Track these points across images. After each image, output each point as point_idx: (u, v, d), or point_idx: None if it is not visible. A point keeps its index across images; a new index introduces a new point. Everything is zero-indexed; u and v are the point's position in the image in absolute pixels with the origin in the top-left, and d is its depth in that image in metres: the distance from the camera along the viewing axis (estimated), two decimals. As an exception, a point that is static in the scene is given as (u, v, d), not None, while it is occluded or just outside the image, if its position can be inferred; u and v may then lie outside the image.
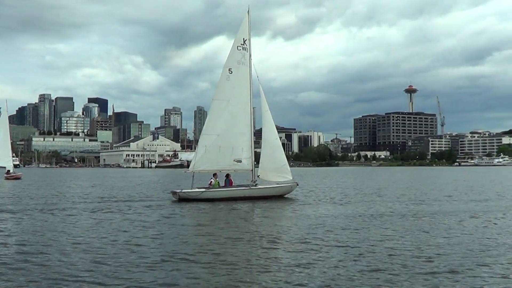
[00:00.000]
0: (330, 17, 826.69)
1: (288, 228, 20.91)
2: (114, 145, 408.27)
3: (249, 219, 25.02)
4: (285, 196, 36.32)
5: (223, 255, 15.18)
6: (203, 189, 34.00)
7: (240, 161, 35.65)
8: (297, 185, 37.79)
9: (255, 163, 36.52)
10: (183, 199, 33.24)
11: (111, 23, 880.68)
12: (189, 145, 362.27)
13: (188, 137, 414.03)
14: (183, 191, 34.29)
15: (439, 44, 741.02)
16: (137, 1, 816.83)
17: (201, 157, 35.12)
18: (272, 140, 36.97)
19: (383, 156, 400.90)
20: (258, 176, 35.83)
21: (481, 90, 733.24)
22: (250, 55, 35.79)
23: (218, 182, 35.13)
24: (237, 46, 35.47)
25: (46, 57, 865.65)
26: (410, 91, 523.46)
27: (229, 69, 35.21)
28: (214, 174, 35.18)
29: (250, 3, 35.85)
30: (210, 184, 34.84)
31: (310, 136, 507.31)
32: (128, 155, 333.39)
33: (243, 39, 35.64)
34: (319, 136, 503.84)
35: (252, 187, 35.11)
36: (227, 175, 35.89)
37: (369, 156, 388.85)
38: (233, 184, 35.91)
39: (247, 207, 29.87)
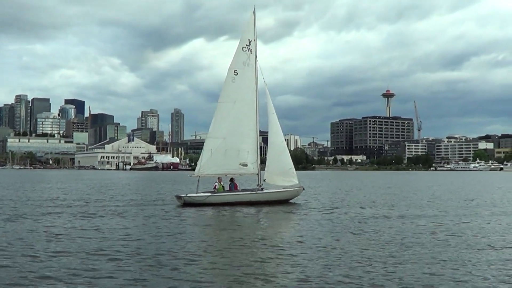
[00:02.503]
0: (309, 21, 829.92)
1: (292, 235, 20.70)
2: (89, 147, 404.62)
3: (253, 225, 24.59)
4: (291, 201, 35.52)
5: (225, 260, 15.07)
6: (209, 194, 33.12)
7: (246, 165, 34.78)
8: (303, 189, 37.00)
9: (261, 166, 35.70)
10: (188, 204, 32.34)
11: (89, 25, 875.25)
12: (165, 148, 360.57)
13: (165, 140, 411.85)
14: (188, 195, 33.33)
15: (418, 48, 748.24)
16: (115, 2, 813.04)
17: (206, 160, 34.19)
18: (278, 143, 36.13)
19: (359, 160, 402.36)
20: (264, 180, 34.98)
21: (458, 95, 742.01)
22: (255, 56, 34.99)
23: (223, 186, 34.28)
24: (242, 47, 34.62)
25: (24, 57, 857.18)
26: (388, 95, 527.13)
27: (234, 70, 34.36)
28: (219, 178, 34.26)
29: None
30: (214, 188, 33.94)
31: (287, 139, 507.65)
32: (103, 157, 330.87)
33: (248, 40, 34.81)
34: (296, 140, 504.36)
35: (258, 192, 34.26)
36: (232, 179, 34.98)
37: (345, 160, 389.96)
38: (238, 188, 34.96)
39: (253, 212, 29.32)
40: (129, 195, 45.29)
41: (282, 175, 35.59)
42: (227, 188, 34.59)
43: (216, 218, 27.11)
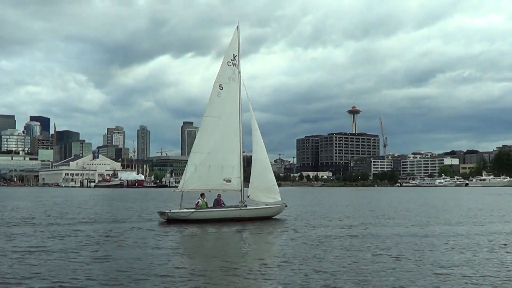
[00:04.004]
0: (275, 38, 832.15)
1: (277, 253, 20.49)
2: (54, 164, 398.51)
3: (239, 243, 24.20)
4: (274, 217, 35.20)
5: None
6: (193, 210, 32.55)
7: (230, 181, 34.36)
8: (286, 206, 36.73)
9: (245, 183, 35.34)
10: (172, 220, 31.74)
11: (55, 40, 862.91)
12: (130, 165, 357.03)
13: (131, 157, 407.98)
14: (172, 211, 32.77)
15: (384, 65, 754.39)
16: (81, 18, 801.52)
17: (191, 175, 33.65)
18: (262, 159, 35.85)
19: (325, 177, 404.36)
20: (248, 196, 34.64)
21: (424, 112, 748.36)
22: (239, 72, 34.77)
23: (206, 203, 33.67)
24: (227, 62, 34.40)
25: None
26: (354, 112, 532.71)
27: (220, 85, 34.06)
28: (202, 194, 33.59)
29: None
30: (197, 204, 33.29)
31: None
32: (68, 174, 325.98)
33: (233, 54, 34.60)
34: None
35: (242, 208, 33.85)
36: (219, 195, 34.39)
37: (311, 177, 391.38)
38: (221, 204, 34.39)
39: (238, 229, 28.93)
40: (105, 213, 44.31)
41: (265, 191, 35.38)
42: (210, 204, 34.02)
43: (201, 236, 26.63)
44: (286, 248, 21.34)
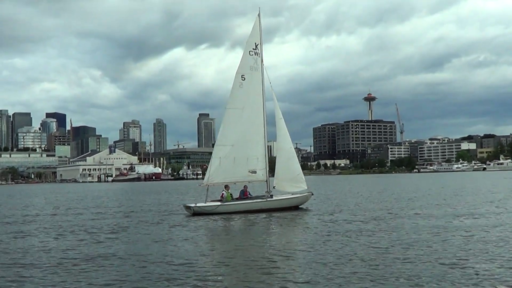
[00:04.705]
0: (289, 27, 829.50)
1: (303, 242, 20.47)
2: (71, 160, 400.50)
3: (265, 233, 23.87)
4: (300, 206, 34.79)
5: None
6: (218, 203, 32.25)
7: (255, 172, 34.04)
8: (312, 194, 36.30)
9: (270, 173, 34.99)
10: (198, 214, 31.53)
11: (68, 36, 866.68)
12: (147, 158, 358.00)
13: (147, 150, 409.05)
14: (197, 205, 32.53)
15: (398, 51, 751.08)
16: (93, 13, 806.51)
17: (215, 169, 33.35)
18: (287, 148, 35.50)
19: (342, 165, 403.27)
20: (273, 187, 34.32)
21: (440, 97, 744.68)
22: (262, 60, 34.25)
23: (231, 195, 33.33)
24: (249, 51, 33.87)
25: (3, 72, 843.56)
26: (369, 99, 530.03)
27: (242, 75, 33.57)
28: (226, 186, 33.29)
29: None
30: (221, 196, 32.96)
31: (270, 146, 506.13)
32: (85, 169, 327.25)
33: (255, 43, 34.08)
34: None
35: (268, 199, 33.47)
36: (245, 187, 34.03)
37: (328, 165, 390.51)
38: (248, 196, 33.96)
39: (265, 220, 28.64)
40: (130, 207, 44.20)
41: (291, 181, 35.03)
42: (235, 195, 33.69)
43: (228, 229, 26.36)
44: (308, 238, 21.06)
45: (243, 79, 33.54)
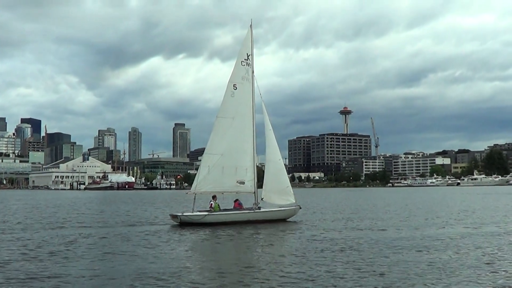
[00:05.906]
0: (267, 39, 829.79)
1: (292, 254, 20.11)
2: (44, 166, 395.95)
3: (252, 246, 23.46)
4: (288, 220, 34.48)
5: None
6: (206, 213, 31.84)
7: (243, 183, 33.70)
8: (300, 208, 36.05)
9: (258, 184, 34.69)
10: (185, 223, 31.10)
11: (46, 42, 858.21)
12: (120, 167, 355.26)
13: (122, 159, 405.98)
14: (184, 214, 32.07)
15: (375, 65, 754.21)
16: (72, 19, 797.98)
17: (203, 177, 32.95)
18: (276, 160, 35.18)
19: (317, 178, 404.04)
20: (261, 199, 33.99)
21: (416, 112, 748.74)
22: (252, 71, 34.10)
23: (218, 205, 33.00)
24: (241, 61, 33.77)
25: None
26: (345, 112, 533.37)
27: (233, 84, 33.41)
28: (214, 196, 32.96)
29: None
30: (210, 206, 32.57)
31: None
32: (57, 176, 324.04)
33: (247, 54, 33.97)
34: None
35: (256, 211, 33.16)
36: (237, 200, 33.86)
37: (303, 178, 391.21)
38: (240, 207, 33.58)
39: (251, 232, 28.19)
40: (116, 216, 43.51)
41: (279, 193, 34.75)
42: (224, 206, 33.42)
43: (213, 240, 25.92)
44: (297, 251, 20.77)
45: (235, 88, 33.35)
